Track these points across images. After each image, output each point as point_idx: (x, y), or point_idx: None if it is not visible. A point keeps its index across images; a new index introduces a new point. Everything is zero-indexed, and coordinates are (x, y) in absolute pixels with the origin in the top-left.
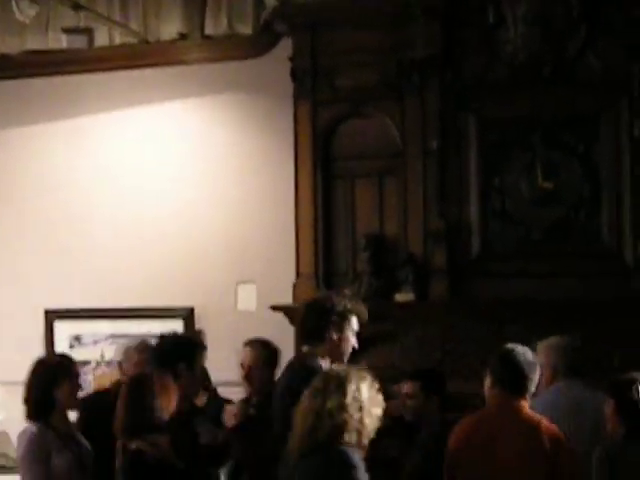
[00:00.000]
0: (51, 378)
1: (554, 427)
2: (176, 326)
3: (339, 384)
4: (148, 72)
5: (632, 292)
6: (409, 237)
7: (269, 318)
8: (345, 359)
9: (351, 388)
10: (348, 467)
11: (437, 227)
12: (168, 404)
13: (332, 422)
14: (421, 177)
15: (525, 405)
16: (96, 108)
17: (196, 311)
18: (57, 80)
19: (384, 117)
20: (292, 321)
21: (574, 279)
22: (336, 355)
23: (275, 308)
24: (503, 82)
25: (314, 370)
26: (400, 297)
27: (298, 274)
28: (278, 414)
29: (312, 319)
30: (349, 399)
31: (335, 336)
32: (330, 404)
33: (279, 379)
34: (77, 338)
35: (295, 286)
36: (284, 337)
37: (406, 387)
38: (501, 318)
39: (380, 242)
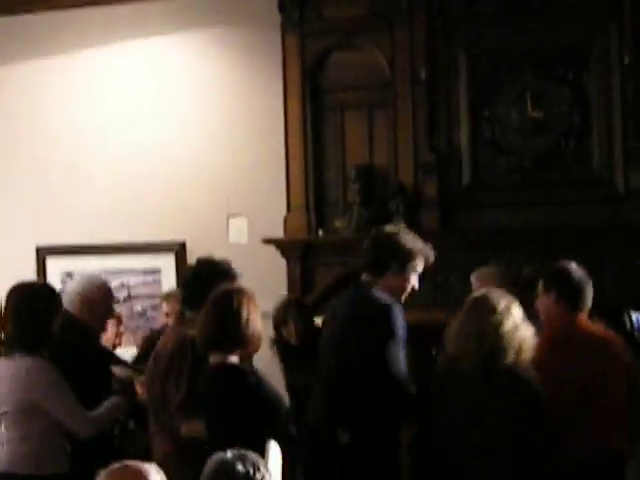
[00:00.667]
0: (49, 310)
1: (620, 339)
2: (168, 261)
3: (508, 306)
4: (136, 6)
5: (623, 218)
6: (399, 168)
7: (261, 251)
8: (403, 298)
9: (516, 310)
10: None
11: (427, 158)
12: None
13: (511, 342)
14: (411, 108)
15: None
16: (82, 43)
17: (188, 245)
18: (49, 15)
19: (373, 48)
20: (283, 254)
21: (565, 207)
22: (394, 292)
23: (267, 241)
24: (492, 12)
25: (380, 301)
26: (391, 228)
27: (289, 207)
28: (338, 342)
29: (376, 251)
30: (518, 320)
31: (396, 273)
32: (507, 325)
33: (336, 307)
34: (69, 274)
35: (286, 219)
36: (276, 270)
37: None
38: (492, 248)
39: (370, 173)
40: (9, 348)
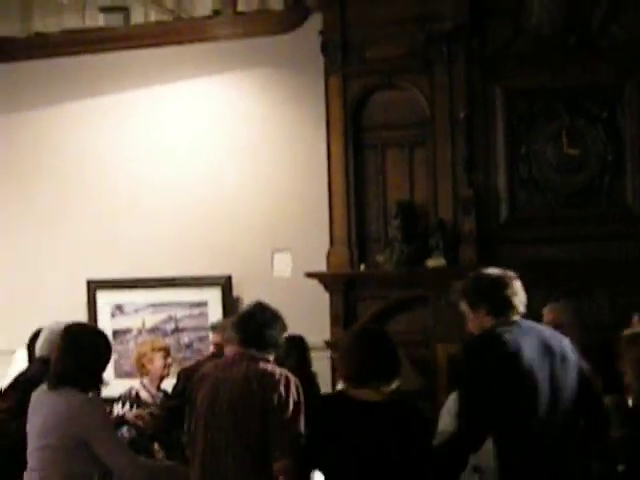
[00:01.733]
0: (99, 351)
1: None
2: (214, 294)
3: None
4: (182, 49)
5: None
6: (439, 204)
7: (304, 284)
8: None
9: None
10: None
11: (466, 194)
12: None
13: None
14: (450, 146)
15: None
16: (132, 84)
17: (234, 279)
18: (95, 58)
19: (413, 88)
20: (326, 287)
21: (600, 243)
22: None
23: (310, 275)
24: (529, 53)
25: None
26: (431, 263)
27: (332, 242)
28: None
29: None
30: None
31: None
32: None
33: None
34: (119, 307)
35: (329, 253)
36: (319, 302)
37: None
38: (528, 281)
39: (411, 209)
40: (59, 383)
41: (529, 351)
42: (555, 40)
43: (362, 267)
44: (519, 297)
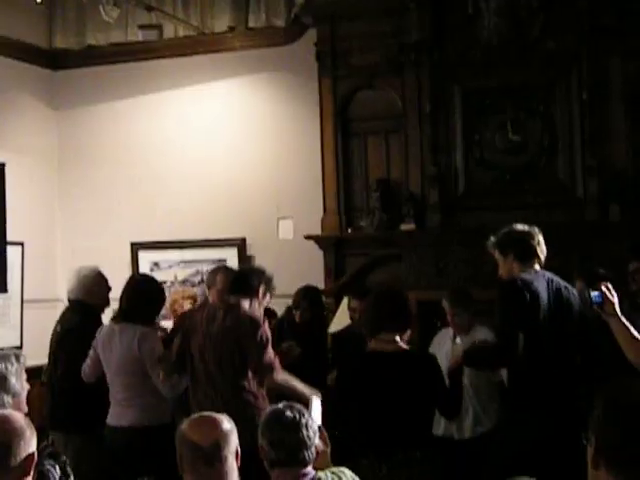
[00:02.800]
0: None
1: None
2: (232, 253)
3: None
4: (204, 58)
5: (583, 218)
6: (410, 180)
7: (303, 245)
8: None
9: None
10: None
11: (431, 172)
12: None
13: None
14: (418, 133)
15: None
16: (165, 86)
17: (247, 241)
18: (135, 65)
19: (389, 88)
20: (320, 247)
21: (538, 210)
22: None
23: (308, 237)
24: (480, 59)
25: None
26: (404, 227)
27: (325, 210)
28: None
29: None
30: None
31: None
32: None
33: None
34: (156, 264)
35: (322, 220)
36: (315, 259)
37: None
38: (481, 242)
39: (387, 184)
40: (125, 319)
41: (545, 295)
42: (501, 49)
43: (349, 230)
44: (541, 248)
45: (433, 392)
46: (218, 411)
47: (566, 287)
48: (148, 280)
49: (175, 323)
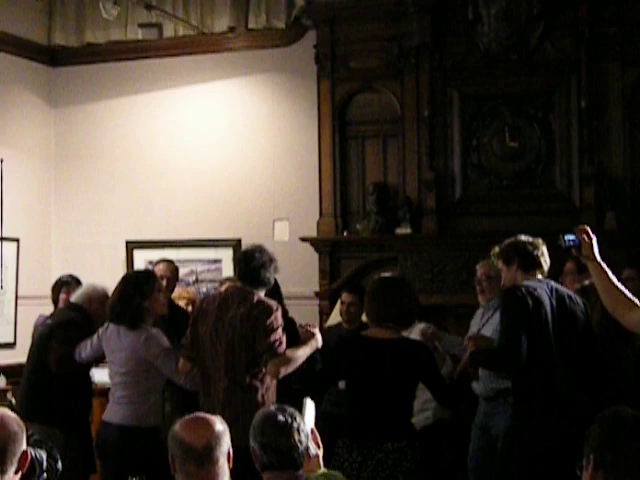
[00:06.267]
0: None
1: None
2: (227, 253)
3: None
4: (204, 57)
5: (579, 224)
6: (406, 184)
7: (298, 247)
8: None
9: None
10: None
11: (428, 177)
12: None
13: None
14: (416, 138)
15: None
16: (163, 86)
17: (243, 241)
18: (134, 64)
19: (387, 91)
20: (316, 249)
21: (534, 216)
22: None
23: (303, 239)
24: (479, 65)
25: None
26: (400, 231)
27: (321, 213)
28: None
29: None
30: None
31: None
32: None
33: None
34: (151, 263)
35: (318, 222)
36: (310, 261)
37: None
38: (477, 247)
39: (384, 188)
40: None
41: (548, 303)
42: (500, 55)
43: (345, 233)
44: (545, 258)
45: (428, 380)
46: (229, 399)
47: (569, 296)
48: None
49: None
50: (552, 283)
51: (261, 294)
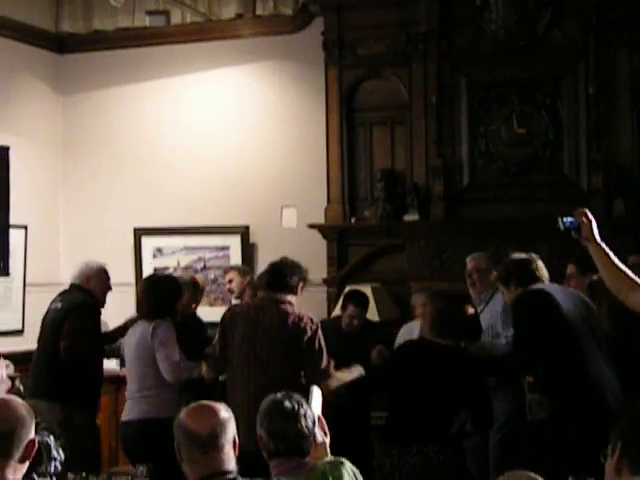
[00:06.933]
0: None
1: None
2: (235, 240)
3: None
4: (212, 45)
5: None
6: (414, 171)
7: (306, 234)
8: None
9: None
10: None
11: (436, 163)
12: None
13: None
14: (423, 124)
15: None
16: (172, 73)
17: (251, 228)
18: (142, 51)
19: (395, 78)
20: (324, 236)
21: (542, 203)
22: None
23: (311, 226)
24: (487, 51)
25: None
26: (407, 218)
27: (329, 199)
28: None
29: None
30: None
31: None
32: None
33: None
34: (159, 250)
35: (326, 209)
36: (318, 248)
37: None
38: (485, 234)
39: (392, 175)
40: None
41: (565, 302)
42: (508, 42)
43: (353, 220)
44: (541, 272)
45: (471, 397)
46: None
47: (577, 294)
48: (171, 279)
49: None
50: (555, 285)
51: (293, 301)
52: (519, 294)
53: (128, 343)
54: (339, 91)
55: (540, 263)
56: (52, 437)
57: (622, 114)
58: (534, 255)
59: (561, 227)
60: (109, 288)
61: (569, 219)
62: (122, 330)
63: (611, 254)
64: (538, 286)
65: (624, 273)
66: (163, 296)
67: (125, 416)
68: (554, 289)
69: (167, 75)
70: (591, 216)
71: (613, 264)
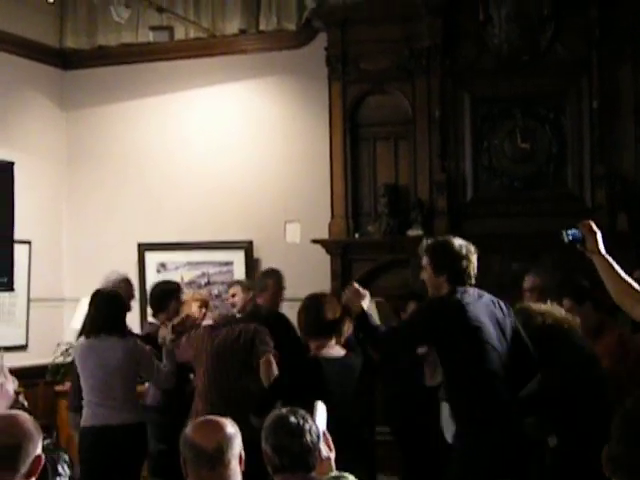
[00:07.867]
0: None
1: None
2: (239, 255)
3: None
4: (215, 60)
5: None
6: (418, 186)
7: (310, 249)
8: None
9: None
10: None
11: (439, 178)
12: None
13: None
14: (427, 139)
15: None
16: (176, 88)
17: (254, 244)
18: (146, 66)
19: (398, 93)
20: (327, 251)
21: (545, 218)
22: None
23: (315, 241)
24: (490, 67)
25: None
26: (411, 232)
27: (332, 215)
28: None
29: None
30: None
31: None
32: None
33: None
34: (162, 265)
35: (330, 224)
36: (321, 263)
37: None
38: (489, 248)
39: (395, 190)
40: (97, 331)
41: (480, 313)
42: (512, 57)
43: (356, 235)
44: (474, 269)
45: None
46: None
47: (496, 301)
48: (118, 294)
49: None
50: (477, 290)
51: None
52: (433, 300)
53: (87, 361)
54: (342, 106)
55: (475, 259)
56: (61, 453)
57: (625, 129)
58: (472, 247)
59: (565, 239)
60: (133, 296)
61: (573, 231)
62: None
63: (616, 266)
64: (457, 296)
65: (629, 285)
66: (118, 312)
67: (87, 422)
68: (470, 297)
69: (171, 90)
70: (596, 228)
71: (618, 276)
